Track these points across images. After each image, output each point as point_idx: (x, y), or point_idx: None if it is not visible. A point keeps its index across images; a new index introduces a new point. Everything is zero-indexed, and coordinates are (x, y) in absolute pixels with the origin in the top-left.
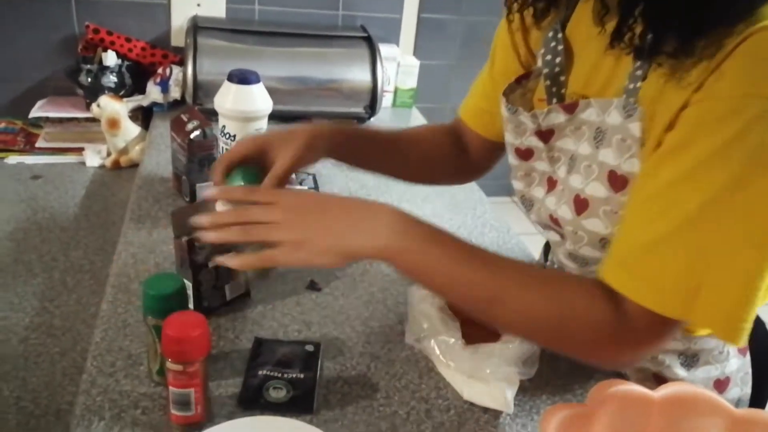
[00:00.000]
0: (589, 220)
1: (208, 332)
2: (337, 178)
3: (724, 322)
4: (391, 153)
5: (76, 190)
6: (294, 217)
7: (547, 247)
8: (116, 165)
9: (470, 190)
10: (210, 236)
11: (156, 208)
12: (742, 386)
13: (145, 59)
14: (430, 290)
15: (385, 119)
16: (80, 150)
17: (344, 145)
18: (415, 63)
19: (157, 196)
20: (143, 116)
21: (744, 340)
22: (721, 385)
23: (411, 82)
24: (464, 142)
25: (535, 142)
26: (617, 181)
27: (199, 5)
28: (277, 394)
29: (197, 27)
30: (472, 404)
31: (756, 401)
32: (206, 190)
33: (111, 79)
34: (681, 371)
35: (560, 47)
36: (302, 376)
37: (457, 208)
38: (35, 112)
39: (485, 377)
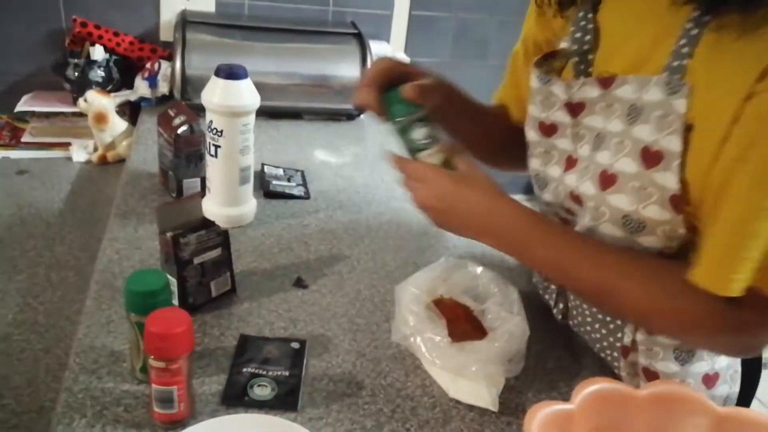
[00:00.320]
0: (614, 196)
1: (192, 329)
2: (325, 175)
3: None
4: (482, 128)
5: (62, 186)
6: (436, 204)
7: None
8: (103, 160)
9: None
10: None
11: (142, 204)
12: (731, 384)
13: (133, 54)
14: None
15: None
16: (67, 145)
17: (455, 99)
18: (406, 60)
19: (143, 192)
20: (131, 111)
21: None
22: (709, 380)
23: None
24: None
25: (561, 116)
26: (650, 157)
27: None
28: (262, 391)
29: (186, 21)
30: (457, 402)
31: (743, 400)
32: (389, 157)
33: (98, 74)
34: (674, 366)
35: (590, 26)
36: (287, 373)
37: None
38: (21, 107)
39: (471, 375)
